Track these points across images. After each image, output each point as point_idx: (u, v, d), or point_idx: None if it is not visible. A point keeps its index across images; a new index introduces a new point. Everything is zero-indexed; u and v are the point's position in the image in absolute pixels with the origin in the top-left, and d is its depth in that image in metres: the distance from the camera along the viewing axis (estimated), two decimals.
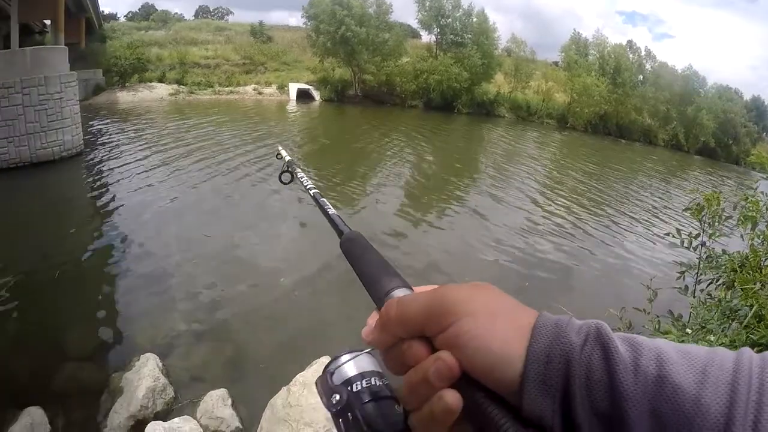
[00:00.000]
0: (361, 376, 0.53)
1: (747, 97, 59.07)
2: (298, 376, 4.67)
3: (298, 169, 1.32)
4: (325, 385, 0.54)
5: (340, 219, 0.83)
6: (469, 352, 0.46)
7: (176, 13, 53.85)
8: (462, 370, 0.46)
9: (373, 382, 0.53)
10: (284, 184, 1.35)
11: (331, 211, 0.88)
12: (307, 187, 1.13)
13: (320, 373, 0.56)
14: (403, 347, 0.49)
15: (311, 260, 8.66)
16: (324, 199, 0.96)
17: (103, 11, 41.58)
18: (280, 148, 1.57)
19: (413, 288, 0.57)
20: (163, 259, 8.36)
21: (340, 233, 0.77)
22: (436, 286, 0.54)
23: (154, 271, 7.93)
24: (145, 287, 7.42)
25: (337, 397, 0.51)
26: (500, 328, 0.47)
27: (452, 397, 0.45)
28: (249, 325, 6.61)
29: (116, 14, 56.01)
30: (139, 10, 58.01)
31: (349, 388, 0.52)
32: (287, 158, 1.45)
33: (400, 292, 0.54)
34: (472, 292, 0.50)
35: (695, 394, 0.40)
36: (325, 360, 4.85)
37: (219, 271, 8.02)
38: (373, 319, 0.54)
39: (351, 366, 0.55)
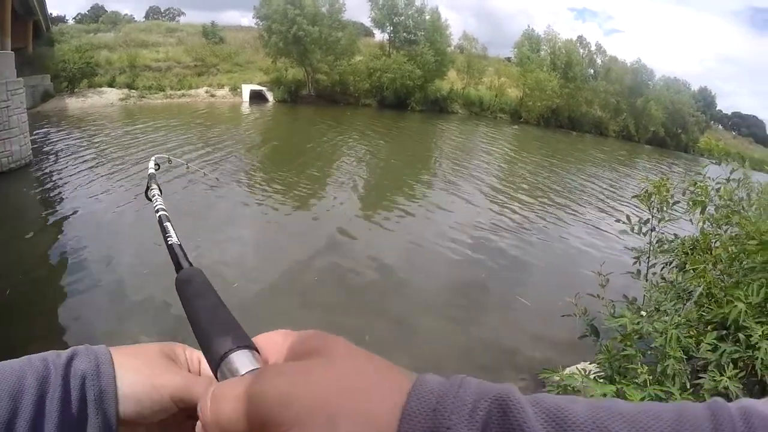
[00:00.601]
0: None
1: (695, 88, 61.39)
2: None
3: (154, 186, 1.22)
4: None
5: (182, 251, 0.74)
6: None
7: (126, 14, 52.04)
8: None
9: None
10: (149, 200, 1.19)
11: (173, 239, 0.79)
12: (156, 207, 1.01)
13: None
14: None
15: (272, 265, 8.66)
16: (169, 224, 0.87)
17: (51, 13, 40.13)
18: (152, 160, 1.47)
19: (253, 340, 0.47)
20: (117, 270, 8.12)
21: (177, 267, 0.69)
22: (281, 337, 0.46)
23: (109, 284, 7.70)
24: (103, 301, 7.20)
25: None
26: None
27: None
28: None
29: (65, 16, 53.71)
30: (88, 11, 55.51)
31: None
32: (150, 171, 1.35)
33: (237, 357, 0.44)
34: (297, 383, 0.36)
35: None
36: None
37: (173, 280, 7.83)
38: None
39: None
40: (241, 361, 0.44)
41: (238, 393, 0.38)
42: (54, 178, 13.34)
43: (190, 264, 0.69)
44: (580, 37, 52.08)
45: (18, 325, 6.41)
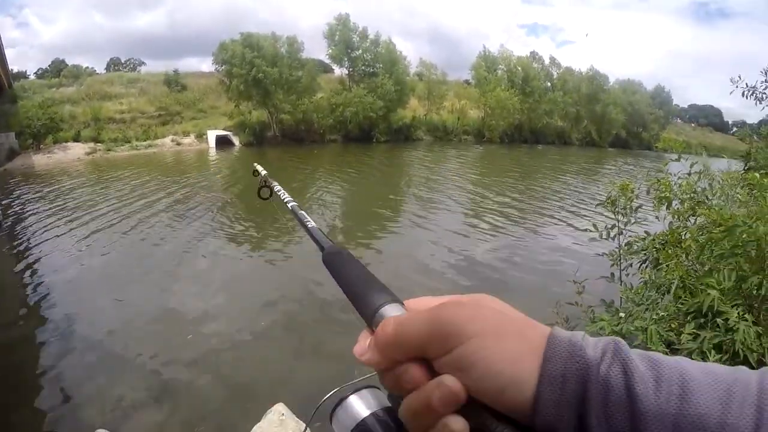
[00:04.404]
0: (374, 416, 0.53)
1: (650, 86, 63.58)
2: (255, 427, 4.59)
3: (275, 184, 1.35)
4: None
5: (321, 233, 0.79)
6: (476, 375, 0.43)
7: (87, 68, 51.38)
8: (468, 395, 0.43)
9: (382, 418, 0.53)
10: (263, 199, 1.39)
11: (311, 224, 0.84)
12: (286, 200, 1.10)
13: (330, 416, 0.56)
14: (400, 370, 0.46)
15: (240, 307, 8.58)
16: (303, 213, 0.93)
17: (12, 69, 39.80)
18: (256, 165, 1.65)
19: (404, 302, 0.53)
20: (95, 329, 7.84)
21: (321, 247, 0.73)
22: (430, 299, 0.53)
23: (89, 344, 7.43)
24: (83, 361, 6.97)
25: None
26: (510, 348, 0.44)
27: (458, 425, 0.42)
28: (196, 382, 6.40)
29: (26, 72, 53.36)
30: (49, 66, 55.24)
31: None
32: (263, 173, 1.51)
33: (390, 309, 0.51)
34: (477, 309, 0.47)
35: (720, 414, 0.38)
36: (279, 408, 4.81)
37: (152, 334, 7.62)
38: (364, 338, 0.50)
39: (360, 406, 0.54)
40: (396, 310, 0.51)
41: (423, 316, 0.46)
42: (25, 240, 12.76)
43: (332, 242, 0.73)
44: (533, 53, 53.63)
45: None
